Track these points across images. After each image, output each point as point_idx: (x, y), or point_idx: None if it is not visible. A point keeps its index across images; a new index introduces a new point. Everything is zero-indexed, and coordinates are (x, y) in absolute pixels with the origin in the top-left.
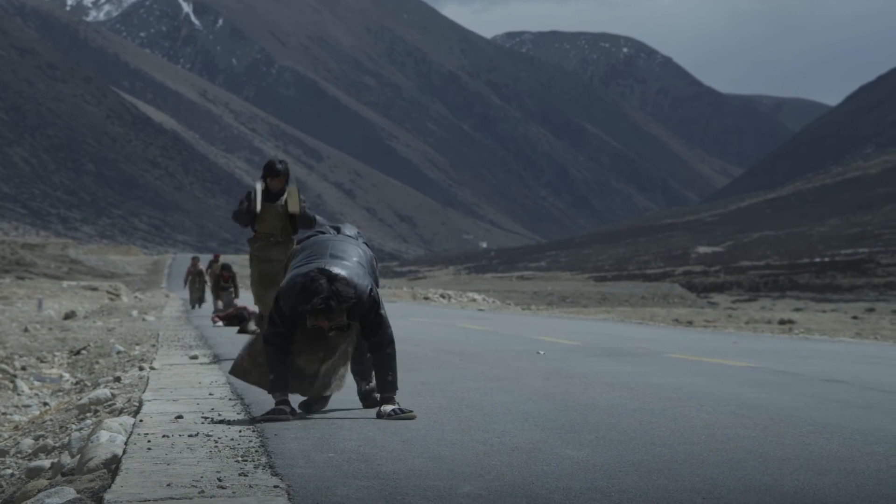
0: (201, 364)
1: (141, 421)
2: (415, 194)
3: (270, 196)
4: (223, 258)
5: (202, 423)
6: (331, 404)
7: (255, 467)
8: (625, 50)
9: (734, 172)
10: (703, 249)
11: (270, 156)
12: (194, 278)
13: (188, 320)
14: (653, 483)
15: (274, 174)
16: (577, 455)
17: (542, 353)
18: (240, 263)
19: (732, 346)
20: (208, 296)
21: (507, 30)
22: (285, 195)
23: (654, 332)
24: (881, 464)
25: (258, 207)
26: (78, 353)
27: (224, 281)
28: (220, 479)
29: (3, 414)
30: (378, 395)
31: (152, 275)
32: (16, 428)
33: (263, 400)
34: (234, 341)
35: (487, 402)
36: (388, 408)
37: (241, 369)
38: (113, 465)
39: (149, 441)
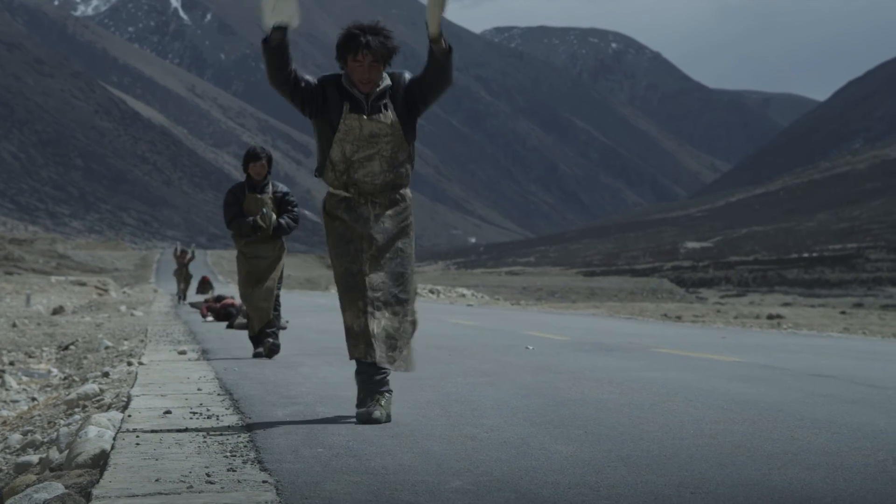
0: (190, 359)
1: (129, 416)
2: None
3: (254, 186)
4: (210, 253)
5: (191, 418)
6: (320, 402)
7: (244, 462)
8: (613, 45)
9: (723, 168)
10: (691, 244)
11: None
12: (179, 269)
13: (177, 315)
14: (641, 478)
15: (255, 158)
16: (566, 450)
17: (530, 348)
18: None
19: (721, 341)
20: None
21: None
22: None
23: (642, 327)
24: (869, 458)
25: (270, 230)
26: (66, 348)
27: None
28: (208, 475)
29: None
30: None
31: (141, 270)
32: (4, 423)
33: (252, 395)
34: (223, 337)
35: (476, 397)
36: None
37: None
38: (101, 461)
39: (137, 436)
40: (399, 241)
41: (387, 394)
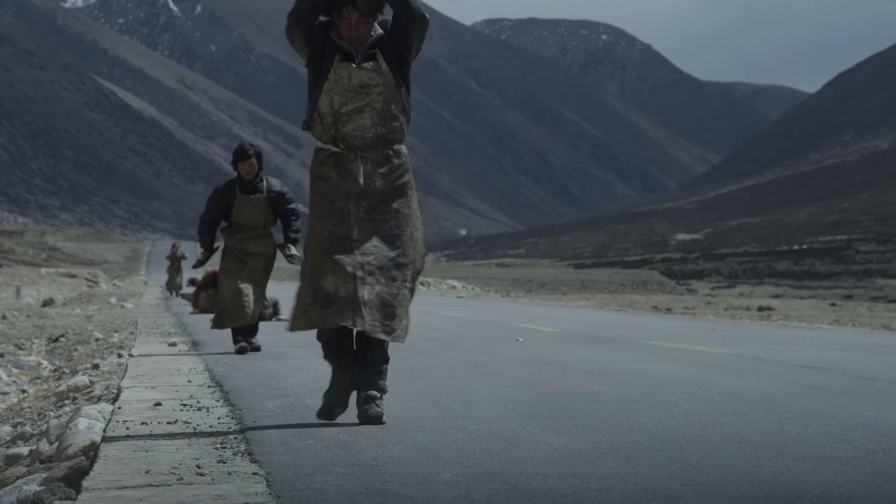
0: (180, 351)
1: (119, 408)
2: None
3: (245, 185)
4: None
5: (181, 410)
6: (310, 394)
7: (234, 454)
8: (604, 37)
9: (713, 160)
10: (681, 236)
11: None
12: (172, 265)
13: (167, 307)
14: (631, 469)
15: (244, 157)
16: (556, 442)
17: (521, 340)
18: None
19: (711, 333)
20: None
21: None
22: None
23: (633, 319)
24: (858, 450)
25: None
26: (56, 340)
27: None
28: (198, 467)
29: None
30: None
31: (131, 262)
32: None
33: (242, 387)
34: (213, 330)
35: (466, 389)
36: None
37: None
38: (91, 453)
39: (127, 428)
40: (394, 201)
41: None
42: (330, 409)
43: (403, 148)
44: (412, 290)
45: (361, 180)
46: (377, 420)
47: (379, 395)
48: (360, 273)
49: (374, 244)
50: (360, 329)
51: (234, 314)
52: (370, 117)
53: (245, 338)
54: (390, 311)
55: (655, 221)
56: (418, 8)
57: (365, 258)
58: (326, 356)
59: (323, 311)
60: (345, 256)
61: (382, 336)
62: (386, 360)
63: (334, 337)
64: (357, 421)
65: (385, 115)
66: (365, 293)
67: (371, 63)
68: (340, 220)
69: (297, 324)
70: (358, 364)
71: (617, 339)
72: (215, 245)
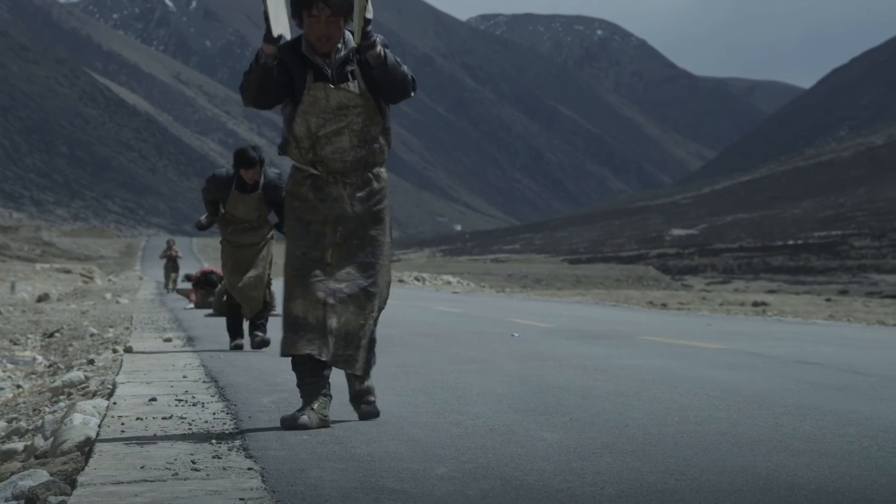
0: (175, 347)
1: (114, 403)
2: (389, 176)
3: (243, 185)
4: (196, 241)
5: (176, 405)
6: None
7: (230, 450)
8: (599, 32)
9: (708, 155)
10: (677, 232)
11: (243, 139)
12: (169, 262)
13: (162, 303)
14: (626, 464)
15: (249, 164)
16: (551, 437)
17: (516, 335)
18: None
19: (706, 329)
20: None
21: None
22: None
23: (628, 314)
24: (853, 445)
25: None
26: (51, 335)
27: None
28: (193, 462)
29: None
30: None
31: (126, 257)
32: None
33: (238, 383)
34: (208, 324)
35: (462, 384)
36: None
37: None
38: (86, 448)
39: (122, 424)
40: (372, 227)
41: (323, 398)
42: (296, 419)
43: (383, 171)
44: (376, 322)
45: (341, 203)
46: (374, 415)
47: (371, 390)
48: (330, 300)
49: (348, 271)
50: (324, 359)
51: (245, 307)
52: (349, 139)
53: (255, 329)
54: (354, 341)
55: (650, 217)
56: (406, 87)
57: (337, 285)
58: (298, 383)
59: (291, 335)
60: (317, 281)
61: (342, 367)
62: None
63: (306, 362)
64: (352, 418)
65: (365, 136)
66: (333, 322)
67: (349, 83)
68: (315, 242)
69: (282, 343)
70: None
71: (612, 335)
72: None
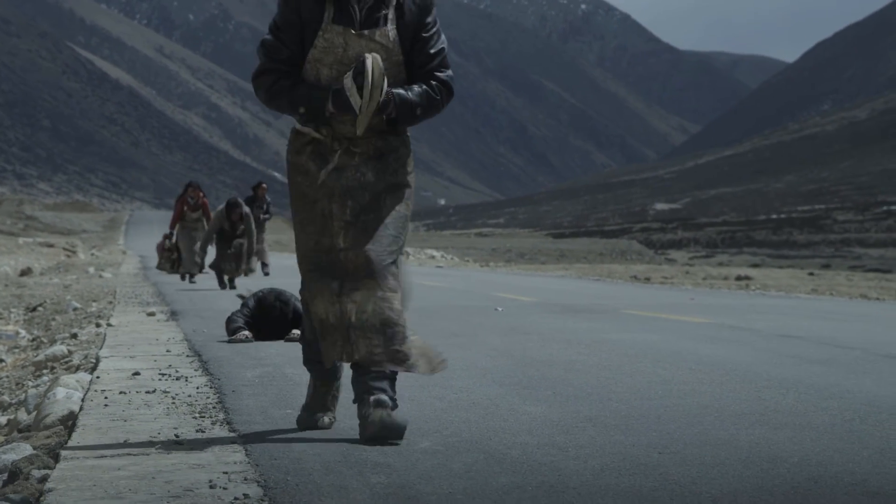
0: (158, 321)
1: (98, 377)
2: None
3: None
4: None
5: (159, 379)
6: (289, 363)
7: (213, 423)
8: (583, 6)
9: (692, 129)
10: (660, 206)
11: (226, 113)
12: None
13: (145, 277)
14: (610, 438)
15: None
16: (535, 411)
17: (500, 309)
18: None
19: (689, 303)
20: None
21: None
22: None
23: (611, 288)
24: (835, 418)
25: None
26: (34, 309)
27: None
28: (177, 436)
29: None
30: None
31: (109, 231)
32: None
33: (221, 357)
34: (191, 298)
35: (445, 358)
36: None
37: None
38: (70, 422)
39: (105, 398)
40: (389, 197)
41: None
42: (316, 417)
43: (405, 134)
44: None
45: (347, 175)
46: (397, 432)
47: (391, 401)
48: (346, 290)
49: (366, 254)
50: (354, 361)
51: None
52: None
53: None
54: (396, 332)
55: (634, 191)
56: (445, 103)
57: (356, 272)
58: (306, 360)
59: (323, 342)
60: (330, 272)
61: (391, 367)
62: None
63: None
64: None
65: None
66: (353, 315)
67: (377, 31)
68: (323, 227)
69: (326, 358)
70: (358, 371)
71: (595, 309)
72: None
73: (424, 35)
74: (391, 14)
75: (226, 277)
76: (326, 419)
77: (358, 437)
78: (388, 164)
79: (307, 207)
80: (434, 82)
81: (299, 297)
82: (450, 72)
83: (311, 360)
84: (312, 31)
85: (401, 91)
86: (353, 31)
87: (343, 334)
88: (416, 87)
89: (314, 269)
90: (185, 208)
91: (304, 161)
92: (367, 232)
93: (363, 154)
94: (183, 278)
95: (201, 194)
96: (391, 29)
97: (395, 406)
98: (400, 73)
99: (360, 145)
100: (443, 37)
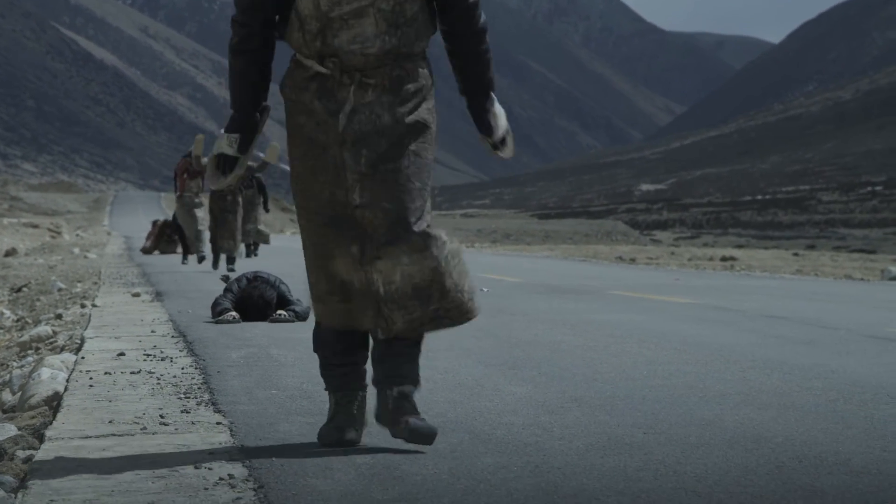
0: (143, 301)
1: (83, 358)
2: None
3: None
4: (164, 196)
5: (144, 360)
6: (274, 344)
7: (198, 404)
8: None
9: (677, 110)
10: (646, 187)
11: (212, 94)
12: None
13: (130, 258)
14: (595, 418)
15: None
16: (520, 391)
17: (485, 290)
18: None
19: (675, 283)
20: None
21: None
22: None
23: (597, 269)
24: (819, 398)
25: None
26: (19, 290)
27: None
28: (162, 416)
29: None
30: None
31: (94, 212)
32: None
33: (206, 337)
34: (176, 279)
35: (430, 339)
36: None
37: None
38: (54, 403)
39: (90, 378)
40: (411, 141)
41: (362, 396)
42: (341, 431)
43: (424, 63)
44: (456, 254)
45: (360, 116)
46: (428, 436)
47: (414, 389)
48: (368, 256)
49: (385, 209)
50: (387, 336)
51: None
52: (374, 23)
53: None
54: (432, 293)
55: (620, 172)
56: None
57: (374, 232)
58: (325, 372)
59: (345, 304)
60: (349, 231)
61: (431, 329)
62: (420, 340)
63: (343, 338)
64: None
65: (397, 18)
66: (381, 286)
67: None
68: (336, 177)
69: (322, 317)
70: (381, 352)
71: (581, 290)
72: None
73: None
74: None
75: (223, 256)
76: (353, 433)
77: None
78: (406, 98)
79: (315, 153)
80: (476, 40)
81: (284, 281)
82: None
83: (327, 369)
84: None
85: (492, 107)
86: None
87: (374, 304)
88: (478, 73)
89: (329, 224)
90: (185, 176)
91: (307, 99)
92: (387, 185)
93: (378, 87)
94: (186, 258)
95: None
96: None
97: (417, 387)
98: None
99: (375, 76)
100: None
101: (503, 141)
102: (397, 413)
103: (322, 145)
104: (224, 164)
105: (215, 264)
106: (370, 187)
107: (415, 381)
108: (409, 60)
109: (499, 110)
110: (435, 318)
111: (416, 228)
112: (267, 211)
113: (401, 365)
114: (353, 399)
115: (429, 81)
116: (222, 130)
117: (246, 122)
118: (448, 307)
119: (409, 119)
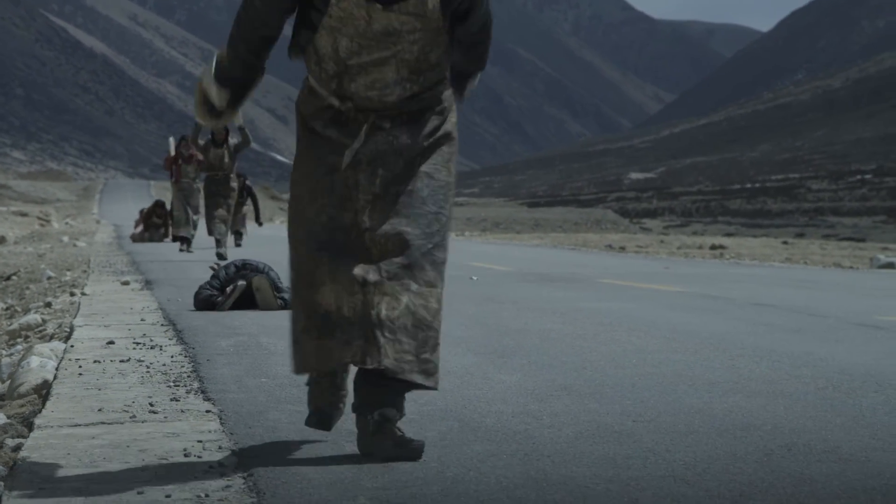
0: (133, 290)
1: (72, 346)
2: None
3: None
4: (153, 185)
5: (134, 348)
6: (264, 332)
7: (187, 392)
8: None
9: (667, 98)
10: (635, 175)
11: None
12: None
13: (119, 246)
14: (584, 406)
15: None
16: (510, 379)
17: (475, 278)
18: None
19: (664, 272)
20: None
21: None
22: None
23: (586, 257)
24: (809, 386)
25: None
26: (8, 278)
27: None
28: (151, 405)
29: None
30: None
31: (83, 201)
32: None
33: (196, 326)
34: (165, 268)
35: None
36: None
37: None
38: (44, 391)
39: (80, 366)
40: (426, 161)
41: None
42: (326, 417)
43: (446, 90)
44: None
45: (378, 138)
46: (414, 454)
47: (398, 415)
48: (372, 277)
49: (398, 232)
50: (374, 367)
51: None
52: (396, 70)
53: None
54: (429, 337)
55: (609, 160)
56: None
57: (389, 258)
58: (313, 408)
59: (321, 341)
60: (349, 255)
61: (417, 379)
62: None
63: (329, 379)
64: None
65: (420, 65)
66: (383, 308)
67: (409, 2)
68: (343, 200)
69: (298, 365)
70: (363, 378)
71: (570, 278)
72: None
73: (472, 7)
74: None
75: (221, 244)
76: (336, 417)
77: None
78: (426, 121)
79: (322, 173)
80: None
81: (273, 268)
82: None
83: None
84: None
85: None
86: (378, 5)
87: (363, 332)
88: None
89: (322, 249)
90: (180, 161)
91: (321, 126)
92: (399, 208)
93: (395, 119)
94: (175, 240)
95: (193, 148)
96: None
97: (401, 416)
98: (439, 37)
99: (392, 115)
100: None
101: None
102: (379, 437)
103: (332, 167)
104: (210, 110)
105: (221, 248)
106: (381, 209)
107: (398, 408)
108: (430, 103)
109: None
110: (421, 369)
111: (429, 257)
112: (260, 224)
113: (384, 392)
114: (333, 380)
115: (450, 101)
116: (212, 69)
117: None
118: (435, 363)
119: (428, 138)
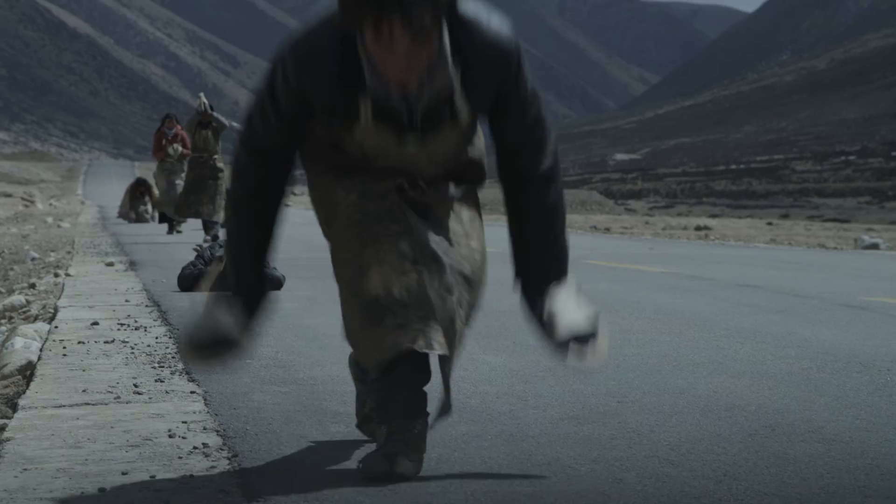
0: (117, 271)
1: (56, 327)
2: None
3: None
4: (138, 165)
5: (118, 329)
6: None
7: (172, 373)
8: None
9: (651, 79)
10: (620, 156)
11: (185, 63)
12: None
13: (104, 227)
14: (569, 387)
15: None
16: (495, 360)
17: None
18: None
19: (649, 252)
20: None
21: None
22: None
23: (571, 238)
24: (793, 367)
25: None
26: None
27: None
28: (136, 385)
29: None
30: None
31: (67, 181)
32: None
33: (181, 307)
34: (150, 249)
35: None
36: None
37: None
38: (28, 372)
39: (64, 347)
40: (465, 206)
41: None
42: (392, 460)
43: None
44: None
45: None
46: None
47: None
48: (423, 256)
49: (436, 241)
50: (439, 352)
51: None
52: (427, 166)
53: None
54: (460, 337)
55: (594, 141)
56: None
57: (436, 247)
58: (378, 401)
59: (373, 329)
60: (394, 233)
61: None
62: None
63: (403, 364)
64: (295, 341)
65: (453, 157)
66: (436, 283)
67: (439, 132)
68: (384, 192)
69: (362, 355)
70: None
71: None
72: None
73: (511, 96)
74: (460, 101)
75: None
76: (408, 463)
77: (316, 385)
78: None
79: (356, 172)
80: (544, 190)
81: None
82: (552, 141)
83: (378, 404)
84: (341, 120)
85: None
86: (408, 140)
87: (420, 314)
88: (550, 250)
89: (365, 235)
90: (164, 141)
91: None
92: (443, 222)
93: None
94: (162, 220)
95: (179, 127)
96: (461, 117)
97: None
98: (471, 135)
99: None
100: (533, 88)
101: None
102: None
103: (362, 169)
104: (220, 344)
105: (172, 230)
106: (424, 216)
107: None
108: (462, 179)
109: (565, 296)
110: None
111: (468, 276)
112: None
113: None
114: (411, 427)
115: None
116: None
117: (247, 284)
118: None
119: (462, 192)
